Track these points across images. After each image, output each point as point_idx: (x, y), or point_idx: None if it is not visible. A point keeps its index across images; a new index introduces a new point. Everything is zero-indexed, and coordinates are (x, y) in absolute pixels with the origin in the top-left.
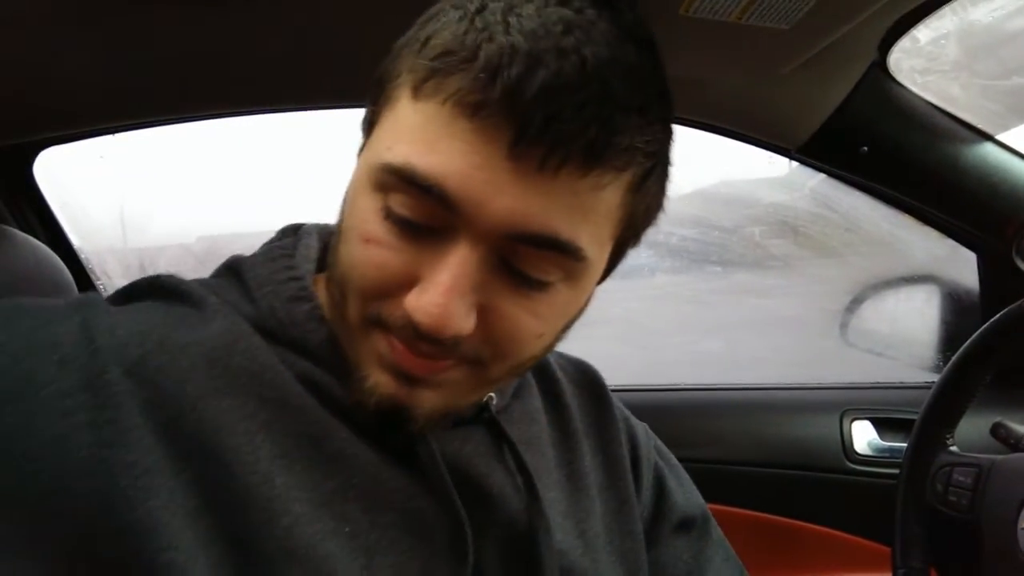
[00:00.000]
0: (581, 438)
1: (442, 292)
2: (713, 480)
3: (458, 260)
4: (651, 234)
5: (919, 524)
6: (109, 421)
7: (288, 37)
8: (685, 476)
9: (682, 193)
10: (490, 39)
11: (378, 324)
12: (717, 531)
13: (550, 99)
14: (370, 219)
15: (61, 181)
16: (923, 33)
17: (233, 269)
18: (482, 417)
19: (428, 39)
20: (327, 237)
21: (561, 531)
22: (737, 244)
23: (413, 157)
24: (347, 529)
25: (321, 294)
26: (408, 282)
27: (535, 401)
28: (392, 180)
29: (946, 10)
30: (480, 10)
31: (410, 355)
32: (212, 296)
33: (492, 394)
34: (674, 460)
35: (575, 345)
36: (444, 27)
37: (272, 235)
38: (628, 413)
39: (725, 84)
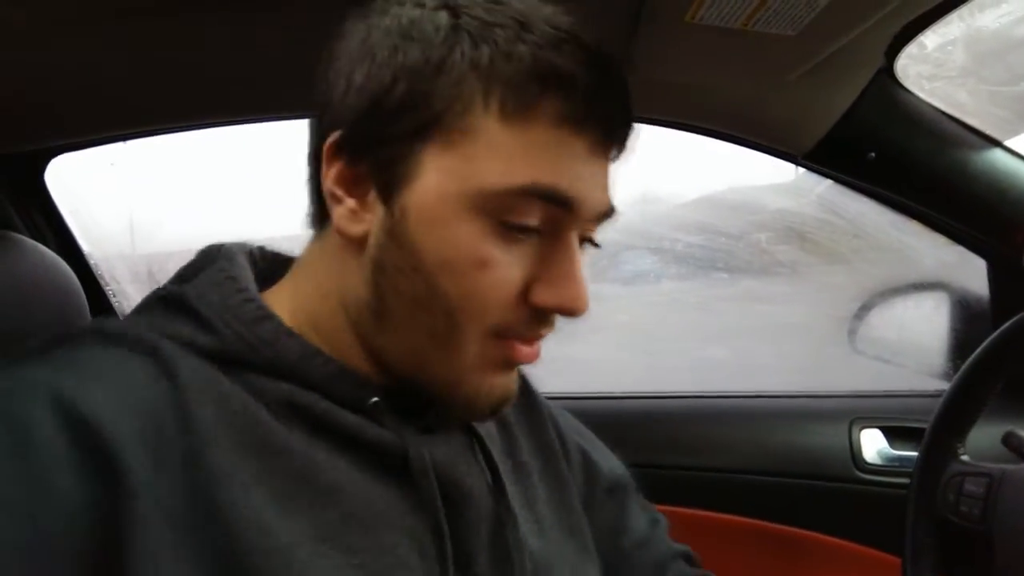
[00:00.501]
0: (514, 427)
1: (577, 278)
2: (719, 489)
3: (574, 248)
4: (657, 240)
5: (930, 534)
6: (106, 493)
7: (294, 45)
8: (601, 445)
9: (688, 199)
10: (564, 55)
11: (497, 335)
12: (631, 484)
13: (622, 105)
14: (479, 244)
15: (71, 188)
16: (930, 39)
17: (174, 301)
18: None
19: (489, 61)
20: (246, 255)
21: (521, 520)
22: (743, 250)
23: (542, 176)
24: (356, 560)
25: (281, 312)
26: (525, 286)
27: None
28: (516, 201)
29: (953, 16)
30: (525, 25)
31: (531, 349)
32: (163, 340)
33: None
34: (589, 433)
35: (579, 349)
36: (500, 47)
37: (230, 250)
38: (544, 399)
39: (731, 90)
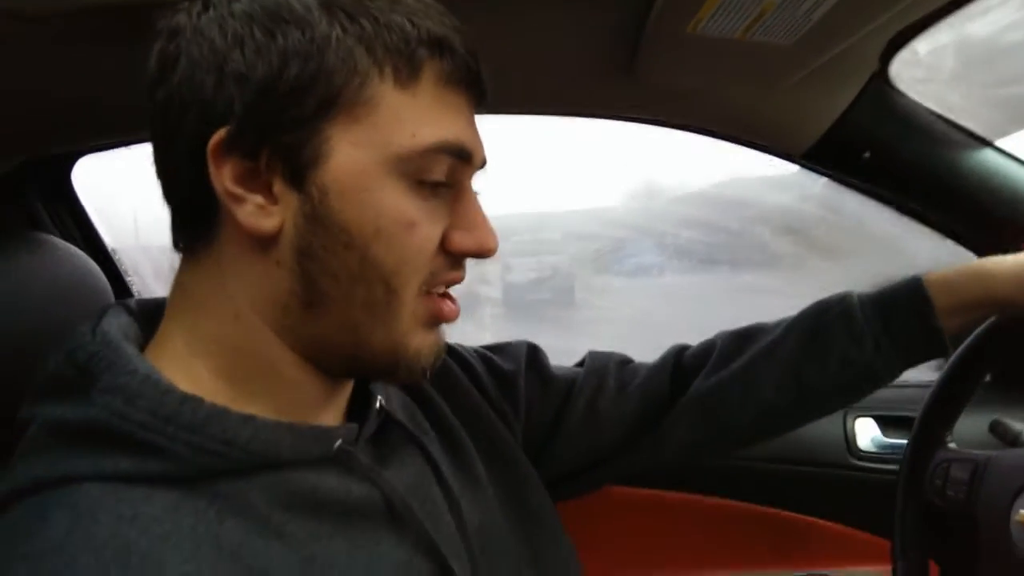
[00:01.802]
0: (430, 391)
1: (486, 221)
2: (719, 475)
3: (475, 195)
4: (659, 235)
5: (918, 518)
6: None
7: None
8: (499, 344)
9: (690, 192)
10: (435, 21)
11: (424, 292)
12: (532, 349)
13: (479, 64)
14: (404, 206)
15: (93, 184)
16: (922, 45)
17: (84, 431)
18: (393, 424)
19: (372, 33)
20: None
21: (462, 498)
22: (744, 245)
23: (445, 134)
24: None
25: (174, 371)
26: (442, 238)
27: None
28: (427, 159)
29: (943, 24)
30: None
31: (454, 305)
32: (104, 496)
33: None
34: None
35: (584, 342)
36: (379, 19)
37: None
38: (473, 352)
39: (731, 95)
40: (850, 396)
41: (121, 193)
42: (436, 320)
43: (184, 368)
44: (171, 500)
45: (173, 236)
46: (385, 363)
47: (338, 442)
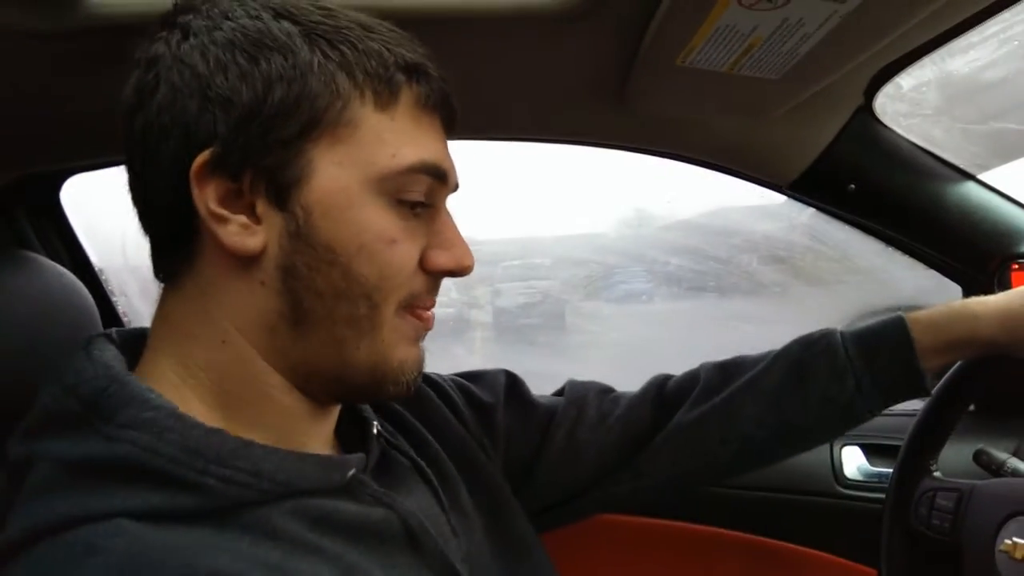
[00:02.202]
0: (413, 421)
1: (462, 240)
2: (706, 503)
3: (450, 215)
4: (649, 262)
5: (904, 547)
6: None
7: None
8: (476, 372)
9: (679, 220)
10: (409, 48)
11: (404, 307)
12: (512, 379)
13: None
14: (386, 223)
15: (81, 202)
16: (906, 80)
17: (107, 466)
18: (392, 452)
19: (352, 59)
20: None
21: (456, 524)
22: (732, 272)
23: (423, 154)
24: None
25: (166, 387)
26: (421, 256)
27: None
28: (407, 179)
29: (926, 60)
30: (366, 27)
31: (430, 314)
32: (134, 537)
33: (375, 422)
34: (463, 375)
35: (571, 367)
36: (357, 46)
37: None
38: (450, 381)
39: (719, 125)
40: (830, 432)
41: (109, 212)
42: (416, 332)
43: (177, 399)
44: (205, 535)
45: (154, 265)
46: (370, 380)
47: (352, 471)
